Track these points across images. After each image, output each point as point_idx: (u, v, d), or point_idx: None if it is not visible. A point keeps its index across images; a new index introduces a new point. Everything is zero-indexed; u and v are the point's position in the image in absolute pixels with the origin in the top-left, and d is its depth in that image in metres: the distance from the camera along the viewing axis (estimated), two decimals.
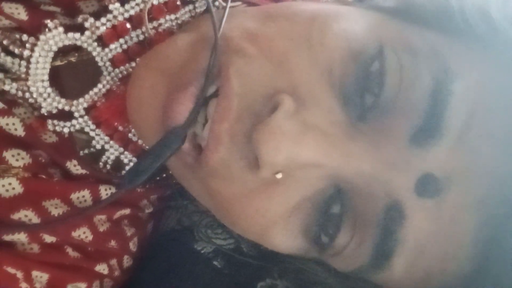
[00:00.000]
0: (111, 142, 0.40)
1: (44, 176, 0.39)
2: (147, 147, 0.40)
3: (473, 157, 0.30)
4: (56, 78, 0.38)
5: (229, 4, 0.35)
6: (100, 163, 0.40)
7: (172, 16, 0.38)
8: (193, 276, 0.44)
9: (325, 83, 0.32)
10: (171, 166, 0.37)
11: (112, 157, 0.40)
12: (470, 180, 0.31)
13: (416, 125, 0.30)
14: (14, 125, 0.38)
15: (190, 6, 0.39)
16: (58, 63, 0.38)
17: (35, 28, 0.36)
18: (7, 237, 0.37)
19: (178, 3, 0.38)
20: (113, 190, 0.41)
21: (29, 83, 0.37)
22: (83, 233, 0.39)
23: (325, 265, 0.37)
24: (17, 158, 0.38)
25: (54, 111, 0.38)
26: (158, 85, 0.33)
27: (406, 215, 0.31)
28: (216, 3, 0.39)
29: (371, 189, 0.31)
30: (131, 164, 0.41)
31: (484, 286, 0.30)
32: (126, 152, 0.40)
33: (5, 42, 0.36)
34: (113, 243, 0.41)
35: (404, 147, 0.31)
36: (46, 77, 0.37)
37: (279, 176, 0.31)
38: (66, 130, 0.38)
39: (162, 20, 0.38)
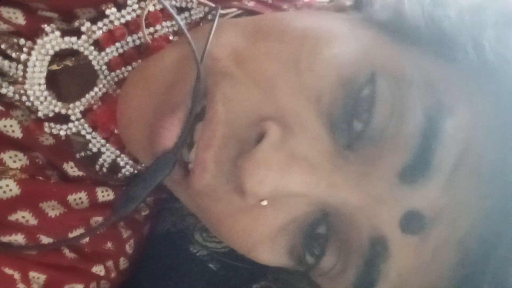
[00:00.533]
0: (107, 145, 0.40)
1: (41, 178, 0.39)
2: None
3: (460, 197, 0.30)
4: (53, 81, 0.38)
5: (216, 21, 0.34)
6: (97, 166, 0.41)
7: (168, 23, 0.39)
8: (189, 278, 0.44)
9: (313, 110, 0.31)
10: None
11: (109, 160, 0.41)
12: (454, 219, 0.30)
13: (406, 161, 0.30)
14: (12, 127, 0.38)
15: (186, 14, 0.39)
16: (54, 67, 0.38)
17: (32, 33, 0.37)
18: (4, 238, 0.37)
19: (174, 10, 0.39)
20: (110, 192, 0.42)
21: (26, 86, 0.37)
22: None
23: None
24: (14, 159, 0.38)
25: (51, 114, 0.38)
26: (145, 106, 0.34)
27: (390, 251, 0.31)
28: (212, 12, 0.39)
29: (356, 220, 0.31)
30: (128, 166, 0.41)
31: None
32: (122, 155, 0.41)
33: (2, 46, 0.36)
34: (109, 244, 0.42)
35: (392, 183, 0.30)
36: (43, 80, 0.37)
37: (264, 203, 0.32)
38: (62, 133, 0.39)
39: (158, 27, 0.38)
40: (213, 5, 0.39)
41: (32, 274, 0.38)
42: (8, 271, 0.37)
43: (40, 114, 0.38)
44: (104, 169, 0.41)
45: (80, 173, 0.40)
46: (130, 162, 0.41)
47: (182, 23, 0.37)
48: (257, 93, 0.31)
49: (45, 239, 0.39)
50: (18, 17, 0.37)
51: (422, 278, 0.32)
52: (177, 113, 0.32)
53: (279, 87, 0.31)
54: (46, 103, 0.38)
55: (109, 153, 0.40)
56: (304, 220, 0.33)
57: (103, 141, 0.40)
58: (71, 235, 0.40)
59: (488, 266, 0.29)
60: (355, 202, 0.31)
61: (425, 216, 0.30)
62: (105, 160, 0.41)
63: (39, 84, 0.37)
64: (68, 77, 0.39)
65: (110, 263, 0.42)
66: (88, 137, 0.39)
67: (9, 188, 0.38)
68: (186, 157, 0.34)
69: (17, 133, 0.38)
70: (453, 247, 0.31)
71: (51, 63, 0.37)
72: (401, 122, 0.30)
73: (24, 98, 0.37)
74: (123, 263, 0.43)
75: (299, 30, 0.33)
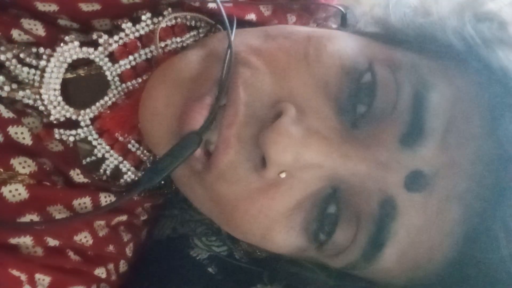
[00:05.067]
0: (112, 151, 0.41)
1: (48, 183, 0.39)
2: (147, 158, 0.42)
3: (455, 156, 0.33)
4: (64, 89, 0.39)
5: (235, 20, 0.37)
6: (101, 170, 0.41)
7: (178, 39, 0.41)
8: (188, 281, 0.44)
9: (321, 94, 0.34)
10: (177, 176, 0.39)
11: (112, 165, 0.41)
12: (453, 176, 0.33)
13: (403, 129, 0.33)
14: (23, 134, 0.38)
15: (195, 32, 0.41)
16: (68, 75, 0.38)
17: (51, 43, 0.37)
18: (13, 240, 0.36)
19: (184, 28, 0.41)
20: (112, 197, 0.41)
21: (42, 91, 0.37)
22: (84, 238, 0.39)
23: (317, 266, 0.39)
24: (23, 165, 0.38)
25: (62, 119, 0.38)
26: (173, 96, 0.35)
27: (399, 209, 0.34)
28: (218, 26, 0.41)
29: (366, 187, 0.34)
30: (129, 173, 0.42)
31: (466, 272, 0.33)
32: (125, 162, 0.41)
33: (21, 55, 0.37)
34: (111, 247, 0.41)
35: (394, 149, 0.34)
36: (58, 86, 0.38)
37: (283, 175, 0.34)
38: (71, 138, 0.39)
39: (168, 41, 0.40)
40: (220, 27, 0.41)
41: (38, 276, 0.37)
42: (15, 272, 0.36)
43: (52, 118, 0.38)
44: (107, 174, 0.41)
45: (85, 180, 0.40)
46: (132, 169, 0.42)
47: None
48: (273, 80, 0.34)
49: (51, 242, 0.38)
50: (38, 29, 0.37)
51: (430, 235, 0.34)
52: (206, 99, 0.34)
53: (291, 75, 0.35)
54: (59, 108, 0.38)
55: (112, 159, 0.41)
56: (317, 196, 0.35)
57: (107, 147, 0.40)
58: (76, 237, 0.39)
59: (489, 222, 0.32)
60: (363, 170, 0.33)
61: (426, 175, 0.33)
62: (108, 166, 0.41)
63: (54, 90, 0.38)
64: (78, 85, 0.40)
65: (111, 266, 0.42)
66: (94, 143, 0.40)
67: (18, 192, 0.37)
68: (208, 145, 0.35)
69: (27, 140, 0.38)
70: (456, 201, 0.33)
71: (65, 72, 0.38)
72: (395, 99, 0.34)
73: (38, 102, 0.37)
74: (123, 266, 0.43)
75: (303, 32, 0.37)
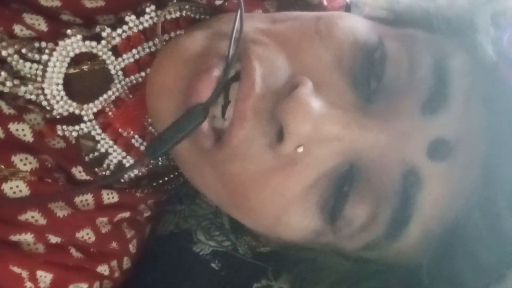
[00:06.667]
0: (115, 146, 0.39)
1: (49, 180, 0.37)
2: None
3: (476, 122, 0.32)
4: (67, 84, 0.37)
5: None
6: (104, 165, 0.40)
7: (182, 31, 0.39)
8: (191, 277, 0.43)
9: (336, 69, 0.33)
10: (182, 156, 0.37)
11: (115, 160, 0.40)
12: (476, 142, 0.32)
13: (425, 96, 0.32)
14: (24, 131, 0.37)
15: (202, 23, 0.40)
16: (71, 70, 0.37)
17: (54, 37, 0.36)
18: (14, 237, 0.35)
19: (189, 21, 0.39)
20: (114, 194, 0.40)
21: (44, 85, 0.36)
22: (86, 234, 0.38)
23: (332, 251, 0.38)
24: (25, 162, 0.36)
25: (65, 114, 0.37)
26: (180, 71, 0.34)
27: (423, 179, 0.32)
28: None
29: (386, 160, 0.33)
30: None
31: (481, 238, 0.32)
32: (128, 157, 0.40)
33: (23, 50, 0.35)
34: (114, 244, 0.40)
35: (416, 117, 0.32)
36: (61, 81, 0.37)
37: (300, 150, 0.32)
38: (74, 134, 0.38)
39: (173, 34, 0.39)
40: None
41: (40, 273, 0.36)
42: (17, 269, 0.35)
43: (54, 113, 0.37)
44: (110, 169, 0.40)
45: (87, 177, 0.39)
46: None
47: None
48: (285, 56, 0.33)
49: (53, 239, 0.37)
50: (41, 24, 0.36)
51: (454, 206, 0.33)
52: (213, 71, 0.32)
53: (304, 51, 0.33)
54: (62, 103, 0.37)
55: (116, 154, 0.40)
56: (334, 173, 0.33)
57: (111, 142, 0.39)
58: (78, 234, 0.38)
59: (495, 193, 0.31)
60: (383, 140, 0.32)
61: (449, 142, 0.32)
62: (111, 161, 0.40)
63: (57, 84, 0.36)
64: (82, 81, 0.38)
65: (114, 263, 0.41)
66: (98, 138, 0.39)
67: (19, 189, 0.36)
68: (218, 123, 0.34)
69: (28, 137, 0.37)
70: (478, 166, 0.32)
71: (67, 66, 0.37)
72: (413, 69, 0.33)
73: (41, 97, 0.36)
74: (126, 263, 0.42)
75: (312, 14, 0.37)
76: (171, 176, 0.44)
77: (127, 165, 0.40)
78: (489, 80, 0.33)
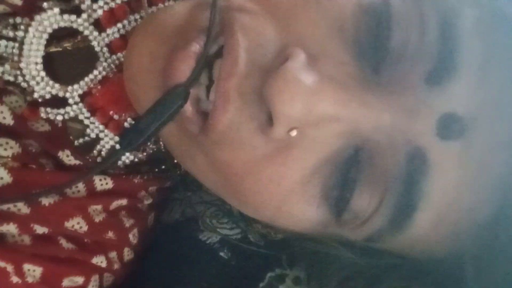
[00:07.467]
0: (106, 130, 0.36)
1: (34, 166, 0.35)
2: None
3: (498, 92, 0.28)
4: (50, 64, 0.35)
5: None
6: (95, 151, 0.37)
7: (171, 3, 0.36)
8: (198, 267, 0.40)
9: (336, 38, 0.28)
10: (172, 143, 0.34)
11: (107, 146, 0.37)
12: (497, 118, 0.28)
13: (430, 66, 0.28)
14: (3, 114, 0.34)
15: None
16: (52, 49, 0.34)
17: (29, 11, 0.33)
18: None
19: None
20: (108, 180, 0.38)
21: (22, 65, 0.33)
22: (77, 224, 0.36)
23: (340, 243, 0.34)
24: (5, 147, 0.34)
25: (47, 96, 0.34)
26: (157, 50, 0.30)
27: (431, 163, 0.28)
28: None
29: (391, 141, 0.28)
30: (127, 154, 0.38)
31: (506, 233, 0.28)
32: None
33: None
34: (110, 234, 0.37)
35: (421, 90, 0.28)
36: (39, 59, 0.34)
37: (293, 133, 0.28)
38: (59, 117, 0.35)
39: (161, 6, 0.35)
40: None
41: (27, 266, 0.34)
42: (0, 263, 0.33)
43: (36, 95, 0.34)
44: (102, 155, 0.37)
45: (76, 162, 0.37)
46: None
47: None
48: (276, 24, 0.29)
49: (39, 229, 0.34)
50: None
51: (472, 193, 0.28)
52: (192, 46, 0.28)
53: (299, 17, 0.29)
54: (42, 84, 0.34)
55: (107, 139, 0.37)
56: (337, 158, 0.29)
57: (101, 127, 0.36)
58: (67, 224, 0.35)
59: None
60: (388, 120, 0.28)
61: (462, 118, 0.28)
62: (103, 146, 0.37)
63: (36, 63, 0.34)
64: (65, 60, 0.35)
65: (113, 254, 0.38)
66: (86, 122, 0.36)
67: (0, 176, 0.33)
68: (204, 105, 0.30)
69: (8, 120, 0.34)
70: (502, 148, 0.28)
71: (48, 45, 0.34)
72: (419, 33, 0.28)
73: (19, 78, 0.34)
74: (127, 254, 0.39)
75: None
76: (175, 161, 0.41)
77: None
78: (510, 40, 0.28)
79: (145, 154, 0.39)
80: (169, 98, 0.29)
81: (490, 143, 0.28)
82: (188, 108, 0.29)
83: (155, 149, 0.39)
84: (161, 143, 0.39)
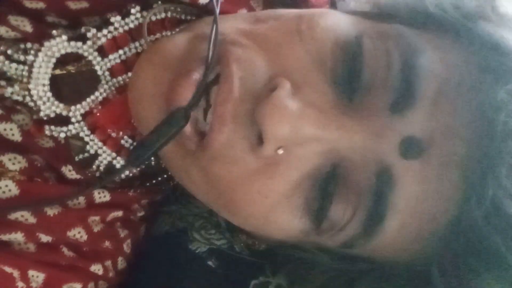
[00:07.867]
0: (104, 147, 0.39)
1: (39, 180, 0.38)
2: None
3: (449, 119, 0.32)
4: (55, 86, 0.38)
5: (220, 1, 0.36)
6: (93, 167, 0.40)
7: (168, 33, 0.39)
8: (188, 276, 0.43)
9: (316, 69, 0.33)
10: (169, 158, 0.37)
11: (105, 161, 0.40)
12: (450, 141, 0.32)
13: (393, 96, 0.32)
14: (12, 131, 0.37)
15: (185, 25, 0.40)
16: (58, 71, 0.37)
17: (39, 38, 0.36)
18: (4, 237, 0.35)
19: (174, 22, 0.39)
20: (106, 193, 0.40)
21: (30, 86, 0.36)
22: (78, 233, 0.38)
23: (318, 249, 0.37)
24: (13, 161, 0.37)
25: (52, 114, 0.37)
26: (160, 76, 0.34)
27: (395, 178, 0.32)
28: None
29: (363, 159, 0.32)
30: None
31: (467, 237, 0.32)
32: (118, 158, 0.40)
33: (9, 51, 0.36)
34: (107, 243, 0.40)
35: (386, 116, 0.32)
36: (47, 81, 0.37)
37: (280, 151, 0.32)
38: (62, 135, 0.38)
39: (158, 35, 0.39)
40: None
41: (31, 272, 0.36)
42: (7, 269, 0.35)
43: (41, 114, 0.37)
44: (100, 170, 0.40)
45: (78, 176, 0.39)
46: None
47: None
48: (265, 57, 0.33)
49: (44, 238, 0.37)
50: (26, 25, 0.36)
51: (431, 204, 0.32)
52: (193, 75, 0.32)
53: (284, 52, 0.33)
54: (48, 104, 0.37)
55: (105, 155, 0.40)
56: (317, 174, 0.33)
57: (100, 144, 0.39)
58: (69, 233, 0.38)
59: (487, 186, 0.31)
60: (360, 141, 0.32)
61: (421, 140, 0.32)
62: (101, 162, 0.40)
63: (43, 85, 0.37)
64: (69, 82, 0.38)
65: (108, 263, 0.41)
66: (87, 139, 0.39)
67: (8, 188, 0.36)
68: (201, 119, 0.34)
69: (17, 137, 0.37)
70: (456, 165, 0.32)
71: (54, 68, 0.37)
72: (384, 68, 0.32)
73: (27, 98, 0.36)
74: (121, 263, 0.42)
75: (294, 12, 0.36)
76: (164, 176, 0.44)
77: (118, 166, 0.40)
78: (464, 76, 0.33)
79: (138, 169, 0.42)
80: (172, 119, 0.32)
81: (445, 160, 0.32)
82: (188, 128, 0.33)
83: (145, 165, 0.42)
84: (151, 158, 0.42)
